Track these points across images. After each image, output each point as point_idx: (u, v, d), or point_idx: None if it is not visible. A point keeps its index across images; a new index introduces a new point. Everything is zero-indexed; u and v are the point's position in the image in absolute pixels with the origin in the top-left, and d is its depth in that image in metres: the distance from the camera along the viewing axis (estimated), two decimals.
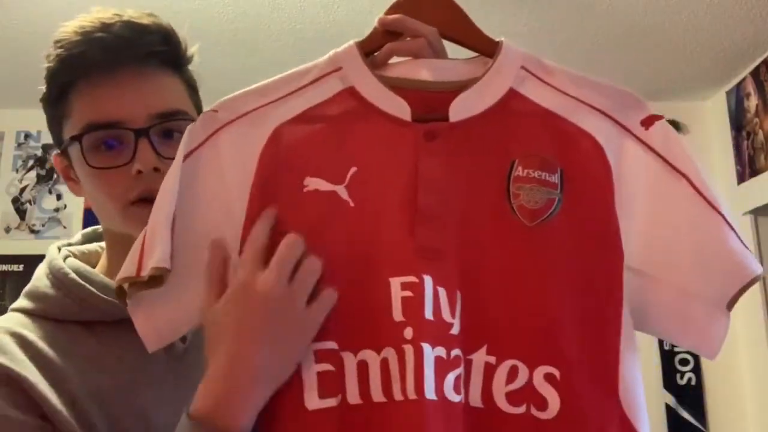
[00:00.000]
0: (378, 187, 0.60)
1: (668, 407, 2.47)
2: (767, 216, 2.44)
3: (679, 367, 2.51)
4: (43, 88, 0.69)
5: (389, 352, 0.56)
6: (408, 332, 0.56)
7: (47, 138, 2.68)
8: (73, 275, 0.67)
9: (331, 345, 0.56)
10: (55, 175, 2.65)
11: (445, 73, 0.63)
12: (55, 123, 0.69)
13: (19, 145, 2.68)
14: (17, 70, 2.37)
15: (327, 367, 0.56)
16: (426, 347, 0.55)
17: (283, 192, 0.59)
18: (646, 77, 2.52)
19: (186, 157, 0.59)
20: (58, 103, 0.67)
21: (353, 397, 0.55)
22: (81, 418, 0.61)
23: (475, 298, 0.58)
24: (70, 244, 0.75)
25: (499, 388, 0.56)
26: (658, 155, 0.61)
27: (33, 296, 0.69)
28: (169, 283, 0.56)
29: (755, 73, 2.38)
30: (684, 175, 0.60)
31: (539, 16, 2.06)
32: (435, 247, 0.58)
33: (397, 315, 0.56)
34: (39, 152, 2.68)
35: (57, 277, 0.67)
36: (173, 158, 0.59)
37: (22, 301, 0.70)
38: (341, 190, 0.60)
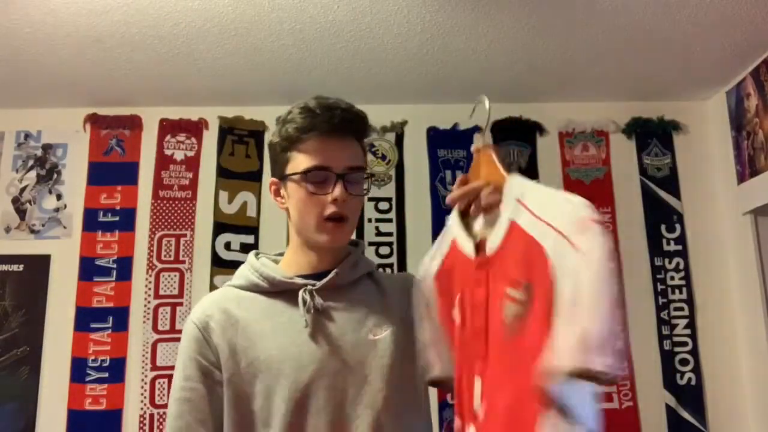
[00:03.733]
0: (466, 307, 0.92)
1: (668, 407, 2.47)
2: (767, 216, 2.44)
3: (679, 367, 2.51)
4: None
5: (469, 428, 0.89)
6: (480, 413, 0.87)
7: (47, 138, 2.68)
8: (265, 267, 1.11)
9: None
10: (55, 175, 2.66)
11: (491, 219, 0.92)
12: (280, 160, 1.09)
13: (19, 145, 2.68)
14: (17, 70, 2.38)
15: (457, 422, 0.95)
16: (470, 427, 0.88)
17: (444, 312, 1.01)
18: (646, 77, 2.52)
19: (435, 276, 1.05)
20: (290, 148, 1.07)
21: None
22: (236, 353, 1.03)
23: (485, 393, 0.86)
24: (260, 254, 1.19)
25: None
26: (583, 253, 0.74)
27: (240, 277, 1.13)
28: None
29: (755, 73, 2.38)
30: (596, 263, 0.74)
31: (540, 16, 2.06)
32: (482, 355, 0.87)
33: (477, 404, 0.87)
34: (39, 152, 2.67)
35: (254, 267, 1.12)
36: (355, 194, 1.06)
37: (234, 281, 1.13)
38: (455, 313, 0.96)
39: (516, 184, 0.88)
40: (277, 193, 1.13)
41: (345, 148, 1.07)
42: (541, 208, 0.81)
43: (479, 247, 0.92)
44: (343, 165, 1.05)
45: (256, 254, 1.17)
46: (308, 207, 1.05)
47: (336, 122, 1.04)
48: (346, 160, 1.06)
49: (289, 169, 1.07)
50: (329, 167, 1.04)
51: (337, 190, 1.03)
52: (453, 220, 1.00)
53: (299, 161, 1.05)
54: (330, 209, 1.04)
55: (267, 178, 2.66)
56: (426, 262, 1.05)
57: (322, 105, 1.06)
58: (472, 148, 1.02)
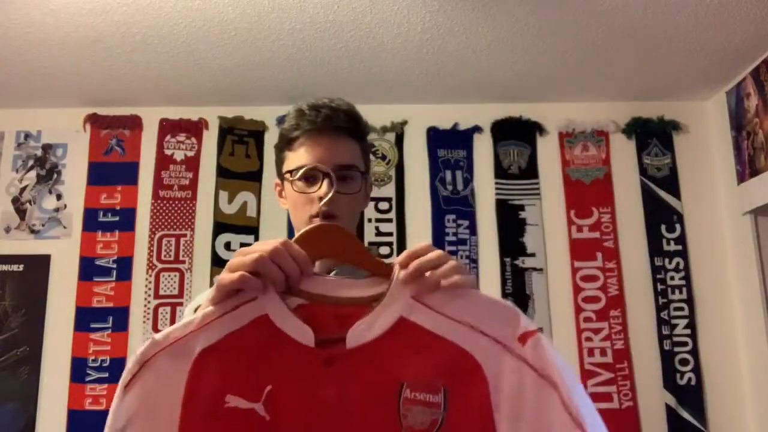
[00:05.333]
0: (289, 404, 0.71)
1: (668, 407, 2.47)
2: (767, 216, 2.44)
3: (679, 367, 2.51)
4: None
5: None
6: None
7: (47, 138, 2.68)
8: None
9: None
10: (55, 175, 2.66)
11: (353, 290, 0.75)
12: (279, 161, 1.11)
13: (19, 145, 2.68)
14: (17, 70, 2.38)
15: None
16: None
17: (207, 409, 0.70)
18: (646, 77, 2.52)
19: (129, 384, 0.71)
20: (284, 149, 1.08)
21: None
22: None
23: None
24: None
25: None
26: (532, 368, 0.69)
27: None
28: None
29: (755, 73, 2.38)
30: (555, 387, 0.68)
31: (540, 16, 2.06)
32: None
33: None
34: (39, 152, 2.67)
35: None
36: (344, 193, 1.02)
37: None
38: (259, 407, 0.71)
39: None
40: (280, 194, 1.14)
41: (335, 146, 1.05)
42: (460, 311, 0.72)
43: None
44: (332, 163, 1.03)
45: None
46: (298, 205, 1.05)
47: (320, 121, 1.04)
48: (335, 157, 1.04)
49: (284, 169, 1.09)
50: (316, 166, 1.03)
51: (323, 188, 1.02)
52: (270, 296, 0.74)
53: (291, 160, 1.07)
54: (317, 207, 1.02)
55: (267, 178, 2.69)
56: (178, 329, 0.73)
57: (311, 104, 1.06)
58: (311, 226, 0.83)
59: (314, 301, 0.75)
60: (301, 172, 1.04)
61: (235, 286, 0.72)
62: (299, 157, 1.05)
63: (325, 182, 1.02)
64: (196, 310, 0.89)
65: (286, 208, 1.12)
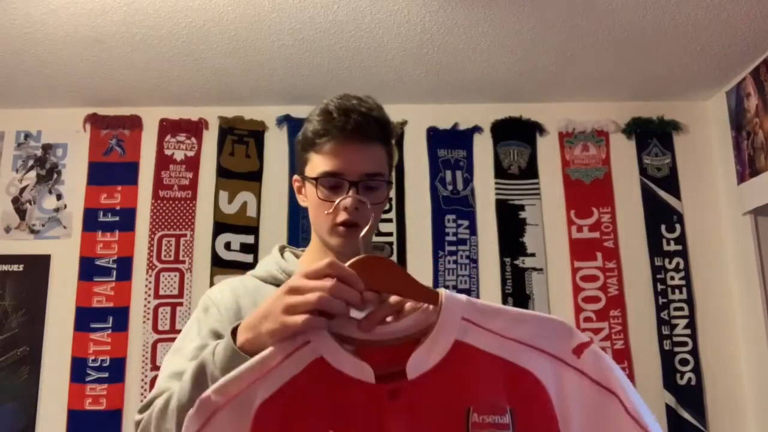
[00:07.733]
0: None
1: (668, 407, 2.47)
2: (767, 216, 2.44)
3: (679, 367, 2.51)
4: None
5: None
6: None
7: (47, 138, 2.68)
8: (286, 262, 1.10)
9: None
10: (55, 175, 2.66)
11: (399, 329, 0.74)
12: (301, 160, 1.09)
13: (19, 145, 2.68)
14: (17, 70, 2.38)
15: None
16: None
17: None
18: (646, 77, 2.52)
19: None
20: (309, 149, 1.05)
21: None
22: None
23: None
24: (286, 248, 1.17)
25: None
26: (591, 379, 0.71)
27: (262, 269, 1.11)
28: None
29: (755, 73, 2.38)
30: (615, 395, 0.70)
31: (539, 16, 2.06)
32: None
33: None
34: (39, 152, 2.67)
35: (276, 261, 1.11)
36: (371, 202, 0.96)
37: (257, 271, 1.12)
38: None
39: (459, 303, 0.74)
40: (299, 190, 1.13)
41: (362, 153, 1.02)
42: (511, 329, 0.73)
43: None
44: (359, 171, 1.01)
45: (282, 248, 1.16)
46: (321, 211, 1.03)
47: (350, 128, 1.01)
48: (362, 166, 1.02)
49: (307, 171, 1.06)
50: (343, 174, 1.01)
51: (349, 199, 1.00)
52: (318, 332, 0.73)
53: (315, 164, 1.04)
54: (342, 216, 1.01)
55: (267, 178, 2.70)
56: (233, 380, 0.71)
57: (340, 108, 1.03)
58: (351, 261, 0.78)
59: (362, 346, 0.74)
60: (326, 178, 1.02)
61: (302, 329, 0.71)
62: (325, 162, 1.02)
63: (351, 192, 1.00)
64: (196, 324, 1.03)
65: (305, 206, 1.11)
